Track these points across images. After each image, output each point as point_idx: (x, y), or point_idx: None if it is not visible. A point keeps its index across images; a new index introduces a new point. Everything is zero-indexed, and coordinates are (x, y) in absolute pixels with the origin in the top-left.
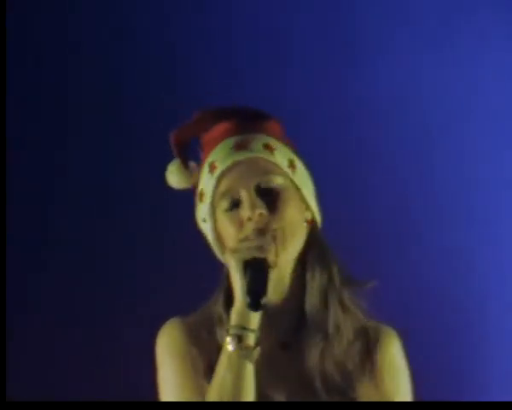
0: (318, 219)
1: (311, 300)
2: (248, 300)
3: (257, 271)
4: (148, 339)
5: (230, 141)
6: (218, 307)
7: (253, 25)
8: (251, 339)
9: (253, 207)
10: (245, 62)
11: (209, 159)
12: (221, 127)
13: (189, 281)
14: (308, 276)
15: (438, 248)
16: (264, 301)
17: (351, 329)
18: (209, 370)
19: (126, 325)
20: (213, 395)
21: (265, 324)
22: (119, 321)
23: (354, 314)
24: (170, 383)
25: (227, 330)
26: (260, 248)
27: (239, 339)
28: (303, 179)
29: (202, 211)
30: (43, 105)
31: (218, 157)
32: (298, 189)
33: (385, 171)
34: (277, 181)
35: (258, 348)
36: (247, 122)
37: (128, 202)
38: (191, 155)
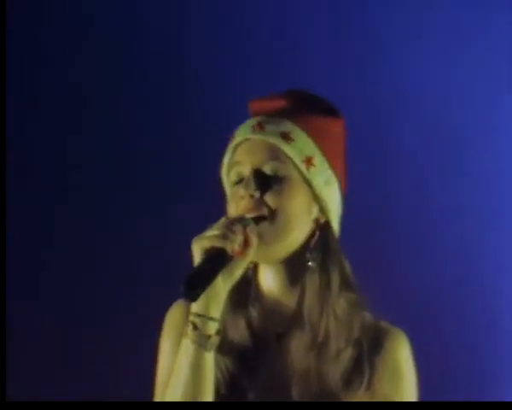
0: (335, 224)
1: (308, 301)
2: (182, 288)
3: (209, 261)
4: (149, 339)
5: (253, 120)
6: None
7: (252, 24)
8: (210, 327)
9: (246, 186)
10: (249, 59)
11: (235, 132)
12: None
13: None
14: (307, 277)
15: (445, 249)
16: (198, 292)
17: (341, 339)
18: None
19: (127, 325)
20: (170, 382)
21: (264, 312)
22: (119, 321)
23: (347, 325)
24: (163, 364)
25: (188, 317)
26: (221, 236)
27: (195, 327)
28: (319, 179)
29: (225, 184)
30: (43, 105)
31: (239, 130)
32: (310, 186)
33: (390, 171)
34: (282, 170)
35: (217, 337)
36: (293, 105)
37: (128, 200)
38: None
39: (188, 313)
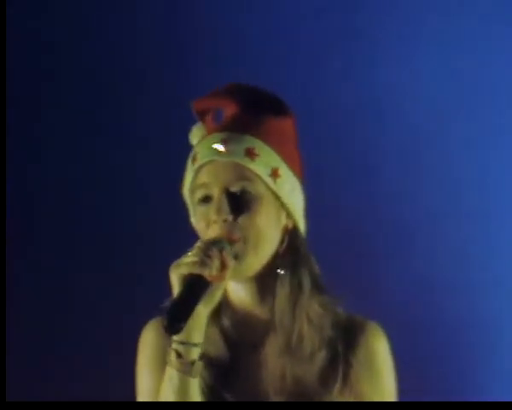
0: (301, 227)
1: (279, 306)
2: (164, 322)
3: (188, 290)
4: None
5: (217, 137)
6: None
7: (247, 22)
8: (193, 353)
9: (219, 211)
10: (238, 63)
11: (195, 149)
12: (227, 113)
13: None
14: (278, 283)
15: (439, 246)
16: (181, 325)
17: (315, 341)
18: None
19: (127, 325)
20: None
21: (238, 324)
22: (119, 321)
23: (320, 326)
24: (143, 384)
25: (170, 346)
26: (199, 263)
27: (179, 355)
28: (286, 188)
29: (185, 196)
30: (44, 105)
31: (201, 151)
32: (277, 197)
33: (386, 169)
34: (251, 188)
35: (201, 363)
36: (248, 114)
37: (128, 200)
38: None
39: (164, 332)
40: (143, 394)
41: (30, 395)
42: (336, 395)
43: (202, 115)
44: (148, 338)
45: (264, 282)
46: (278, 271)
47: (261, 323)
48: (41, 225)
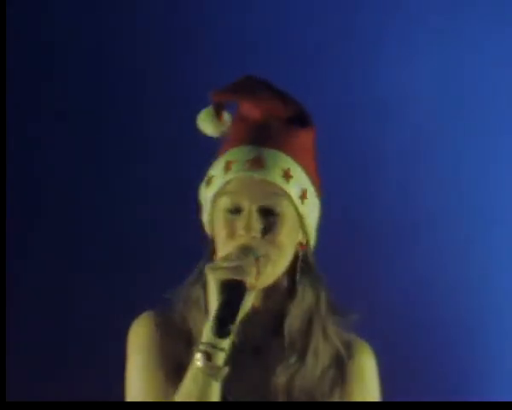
0: (312, 243)
1: (294, 321)
2: (214, 326)
3: (230, 294)
4: None
5: (250, 151)
6: (196, 290)
7: (247, 23)
8: (220, 358)
9: (249, 228)
10: (239, 62)
11: (228, 156)
12: (248, 120)
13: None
14: (298, 297)
15: (439, 246)
16: (230, 328)
17: (328, 356)
18: (175, 370)
19: (127, 325)
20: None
21: (241, 325)
22: (119, 321)
23: (333, 343)
24: (133, 380)
25: (197, 346)
26: (240, 269)
27: (208, 357)
28: (310, 208)
29: (204, 194)
30: (43, 104)
31: (236, 160)
32: (301, 217)
33: (386, 171)
34: (280, 208)
35: (226, 368)
36: (277, 127)
37: (128, 200)
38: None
39: (157, 323)
40: (133, 387)
41: (30, 395)
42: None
43: (219, 107)
44: (141, 332)
45: (269, 288)
46: (297, 287)
47: (265, 327)
48: (41, 225)
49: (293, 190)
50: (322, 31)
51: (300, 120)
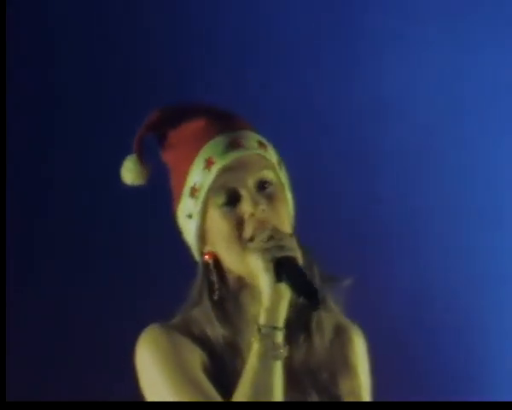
0: (291, 218)
1: (294, 300)
2: (308, 301)
3: (294, 270)
4: None
5: (225, 137)
6: (204, 309)
7: (251, 22)
8: (280, 337)
9: (255, 203)
10: (241, 62)
11: (203, 154)
12: (202, 124)
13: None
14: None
15: (437, 247)
16: (320, 294)
17: (331, 326)
18: (204, 369)
19: (127, 325)
20: (246, 394)
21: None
22: (119, 321)
23: (333, 312)
24: (163, 392)
25: (258, 330)
26: (286, 247)
27: (269, 338)
28: (286, 177)
29: (190, 207)
30: (43, 104)
31: (216, 153)
32: (283, 186)
33: (388, 169)
34: (270, 177)
35: (287, 347)
36: (226, 119)
37: (128, 200)
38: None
39: (166, 333)
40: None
41: (30, 395)
42: (344, 387)
43: (141, 144)
44: (154, 344)
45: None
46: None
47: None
48: (41, 225)
49: (272, 157)
50: (323, 31)
51: (230, 116)
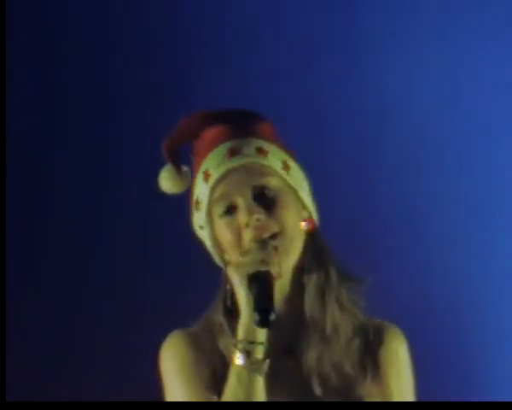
0: (315, 216)
1: (309, 301)
2: (257, 317)
3: (262, 285)
4: (149, 339)
5: (223, 147)
6: (218, 316)
7: (251, 23)
8: (259, 352)
9: (250, 212)
10: (242, 62)
11: (203, 167)
12: (212, 133)
13: (193, 286)
14: (305, 277)
15: (437, 247)
16: (272, 317)
17: (349, 327)
18: (213, 380)
19: (127, 325)
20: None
21: (270, 329)
22: (119, 320)
23: (352, 312)
24: (177, 397)
25: (235, 345)
26: (263, 261)
27: (248, 353)
28: (298, 179)
29: (199, 219)
30: (43, 104)
31: (212, 165)
32: (293, 189)
33: (387, 169)
34: (272, 183)
35: (268, 361)
36: (238, 126)
37: (129, 201)
38: (183, 160)
39: (188, 341)
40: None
41: (30, 395)
42: (368, 387)
43: (172, 154)
44: (175, 352)
45: (294, 280)
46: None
47: (293, 324)
48: (41, 225)
49: (273, 162)
50: (323, 31)
51: (255, 117)
